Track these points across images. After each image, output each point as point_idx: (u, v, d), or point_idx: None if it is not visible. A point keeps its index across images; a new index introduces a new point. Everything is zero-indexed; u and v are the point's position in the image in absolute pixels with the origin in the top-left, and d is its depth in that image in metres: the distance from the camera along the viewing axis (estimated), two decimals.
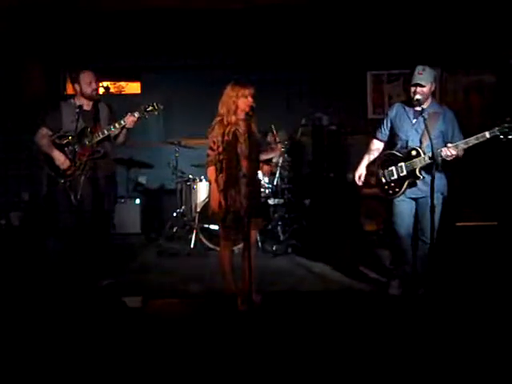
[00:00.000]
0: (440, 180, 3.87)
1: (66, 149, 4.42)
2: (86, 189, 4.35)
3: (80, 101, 4.48)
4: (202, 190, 6.22)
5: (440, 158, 3.75)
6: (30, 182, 6.87)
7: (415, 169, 3.86)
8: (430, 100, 3.95)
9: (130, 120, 4.42)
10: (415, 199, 3.99)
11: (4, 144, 6.81)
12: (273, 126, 6.10)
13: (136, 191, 7.43)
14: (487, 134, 3.66)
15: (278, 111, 6.67)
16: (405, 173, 3.93)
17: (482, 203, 5.49)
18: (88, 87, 4.44)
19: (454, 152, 3.72)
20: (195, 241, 5.95)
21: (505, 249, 4.71)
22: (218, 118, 3.88)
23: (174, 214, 6.40)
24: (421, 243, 3.99)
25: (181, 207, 6.42)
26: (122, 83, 7.82)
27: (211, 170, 3.89)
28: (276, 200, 6.01)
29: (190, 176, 6.40)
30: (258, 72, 6.64)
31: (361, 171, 4.22)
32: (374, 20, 6.76)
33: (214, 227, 5.66)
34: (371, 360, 3.09)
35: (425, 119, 3.62)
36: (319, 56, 7.13)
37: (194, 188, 6.29)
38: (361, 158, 4.28)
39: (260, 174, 5.59)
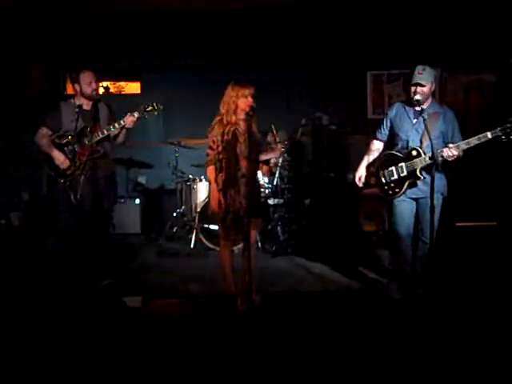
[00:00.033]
0: (440, 180, 3.86)
1: (65, 148, 4.42)
2: (85, 189, 4.36)
3: (80, 101, 4.48)
4: (202, 190, 6.22)
5: (441, 159, 3.74)
6: (30, 181, 6.87)
7: (416, 169, 3.85)
8: (430, 100, 3.94)
9: (129, 120, 4.42)
10: (415, 199, 3.98)
11: (4, 144, 6.81)
12: (273, 126, 6.10)
13: (136, 191, 7.43)
14: (489, 135, 3.65)
15: (278, 111, 6.67)
16: (405, 173, 3.91)
17: (482, 203, 5.49)
18: (88, 87, 4.44)
19: (455, 152, 3.72)
20: (195, 241, 5.96)
21: (504, 249, 4.71)
22: (218, 118, 3.89)
23: (174, 214, 6.40)
24: (420, 243, 3.98)
25: (181, 207, 6.42)
26: (122, 83, 7.81)
27: (211, 170, 3.90)
28: (276, 200, 6.00)
29: (190, 176, 6.40)
30: (257, 72, 6.63)
31: (361, 172, 4.21)
32: (373, 20, 6.76)
33: (214, 227, 5.66)
34: (371, 360, 3.09)
35: (425, 119, 3.62)
36: (319, 56, 7.12)
37: (193, 188, 6.30)
38: (361, 159, 4.27)
39: (260, 174, 5.59)
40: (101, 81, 4.97)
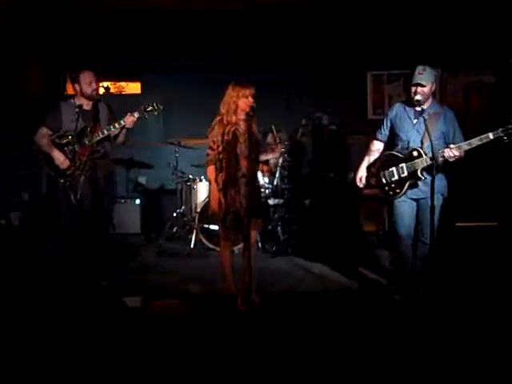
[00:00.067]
0: (440, 181, 3.86)
1: (65, 148, 4.42)
2: (85, 189, 4.36)
3: (80, 101, 4.48)
4: (202, 190, 6.22)
5: (442, 159, 3.74)
6: (29, 181, 6.87)
7: (417, 170, 3.84)
8: (430, 100, 3.94)
9: (129, 120, 4.42)
10: (416, 200, 3.98)
11: (4, 144, 6.81)
12: (273, 127, 6.10)
13: (136, 191, 7.43)
14: (491, 136, 3.64)
15: (278, 111, 6.67)
16: (406, 174, 3.91)
17: (483, 204, 5.49)
18: (88, 87, 4.45)
19: (456, 153, 3.71)
20: (195, 241, 5.95)
21: (505, 249, 4.71)
22: (219, 118, 3.90)
23: (174, 214, 6.40)
24: (420, 244, 3.97)
25: (181, 207, 6.42)
26: (122, 83, 7.81)
27: (211, 170, 3.91)
28: (276, 200, 6.00)
29: (190, 176, 6.40)
30: (257, 72, 6.63)
31: (361, 173, 4.20)
32: (374, 20, 6.76)
33: (214, 227, 5.66)
34: (371, 360, 3.09)
35: (425, 120, 3.61)
36: (319, 56, 7.12)
37: (194, 188, 6.30)
38: (361, 159, 4.27)
39: (260, 175, 5.59)
40: (101, 81, 4.97)
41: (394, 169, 3.96)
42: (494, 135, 3.64)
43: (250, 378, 2.90)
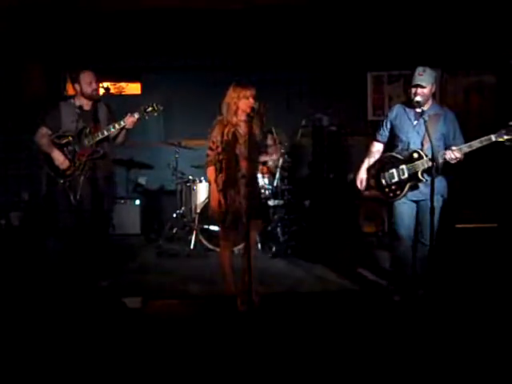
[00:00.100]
0: (440, 182, 3.85)
1: (65, 149, 4.42)
2: (85, 189, 4.37)
3: (80, 101, 4.48)
4: (202, 191, 6.22)
5: (443, 161, 3.74)
6: (29, 181, 6.86)
7: (417, 171, 3.83)
8: (430, 101, 3.93)
9: (129, 120, 4.42)
10: (416, 202, 3.97)
11: (4, 144, 6.80)
12: (273, 128, 6.10)
13: (136, 192, 7.42)
14: (493, 138, 3.64)
15: (278, 111, 6.65)
16: (406, 175, 3.90)
17: (482, 205, 5.49)
18: (88, 87, 4.44)
19: (458, 155, 3.71)
20: (195, 242, 5.96)
21: (505, 251, 4.71)
22: (219, 118, 3.91)
23: (174, 215, 6.39)
24: (420, 245, 3.97)
25: (181, 208, 6.42)
26: (123, 84, 7.81)
27: (211, 170, 3.91)
28: (276, 201, 6.00)
29: (190, 177, 6.40)
30: (258, 72, 6.63)
31: (362, 175, 4.19)
32: (374, 21, 6.75)
33: (214, 228, 5.66)
34: (371, 361, 3.09)
35: (425, 121, 3.61)
36: (319, 56, 7.12)
37: (193, 189, 6.29)
38: (361, 160, 4.26)
39: (259, 175, 5.59)
40: (101, 81, 4.95)
41: (394, 170, 3.95)
42: (495, 137, 3.63)
43: (250, 379, 2.90)
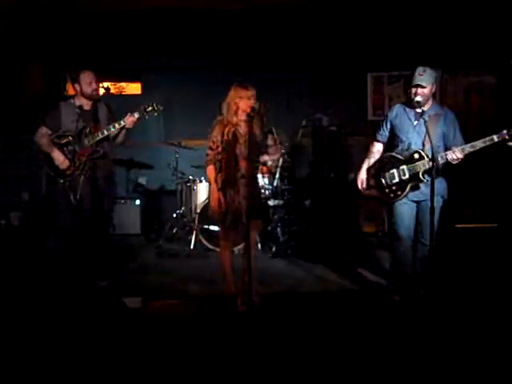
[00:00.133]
0: (440, 183, 3.85)
1: (65, 148, 4.42)
2: (85, 189, 4.37)
3: (80, 101, 4.49)
4: (202, 191, 6.22)
5: (444, 162, 3.73)
6: (29, 181, 6.86)
7: (418, 172, 3.82)
8: (430, 102, 3.93)
9: (129, 120, 4.43)
10: (416, 202, 3.97)
11: (4, 144, 6.80)
12: (273, 128, 6.10)
13: (136, 192, 7.42)
14: (495, 138, 3.63)
15: (278, 111, 6.65)
16: (407, 176, 3.88)
17: (483, 205, 5.49)
18: (88, 87, 4.45)
19: (460, 155, 3.70)
20: (195, 242, 5.96)
21: (505, 251, 4.71)
22: (220, 118, 3.92)
23: (174, 215, 6.39)
24: (420, 245, 3.97)
25: (181, 208, 6.42)
26: (123, 84, 7.81)
27: (210, 169, 3.92)
28: (276, 201, 6.00)
29: (190, 177, 6.40)
30: (258, 72, 6.63)
31: (362, 176, 4.18)
32: (374, 21, 6.75)
33: (214, 228, 5.66)
34: (371, 361, 3.09)
35: (425, 121, 3.60)
36: (319, 56, 7.12)
37: (194, 189, 6.29)
38: (361, 160, 4.26)
39: (259, 175, 5.59)
40: (101, 81, 4.95)
41: (394, 171, 3.94)
42: (498, 138, 3.63)
43: (250, 379, 2.90)
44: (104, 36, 6.99)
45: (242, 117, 3.84)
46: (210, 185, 4.01)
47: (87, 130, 4.42)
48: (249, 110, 3.75)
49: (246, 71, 6.52)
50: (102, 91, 4.89)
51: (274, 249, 5.85)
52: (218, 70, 7.06)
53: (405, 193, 3.91)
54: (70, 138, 4.42)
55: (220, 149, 3.87)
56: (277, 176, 6.06)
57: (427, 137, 3.65)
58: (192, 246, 5.94)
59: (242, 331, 3.43)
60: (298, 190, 6.60)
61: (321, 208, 6.92)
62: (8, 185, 6.86)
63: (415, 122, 3.93)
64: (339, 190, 6.95)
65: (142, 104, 4.56)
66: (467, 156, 3.76)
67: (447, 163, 3.76)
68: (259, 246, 5.87)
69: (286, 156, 6.19)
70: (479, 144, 3.67)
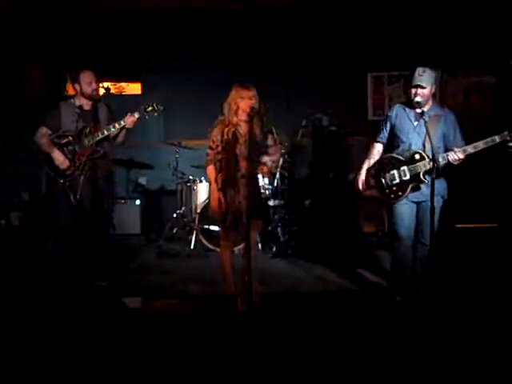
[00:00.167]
0: (440, 183, 3.84)
1: (65, 148, 4.42)
2: (85, 189, 4.37)
3: (80, 101, 4.49)
4: (202, 191, 6.22)
5: (445, 162, 3.73)
6: (29, 181, 6.86)
7: (419, 173, 3.81)
8: (430, 102, 3.92)
9: (129, 120, 4.43)
10: (417, 203, 3.96)
11: (4, 144, 6.80)
12: (273, 129, 6.10)
13: (136, 192, 7.42)
14: (497, 139, 3.63)
15: (278, 112, 6.65)
16: (408, 177, 3.87)
17: (482, 205, 5.49)
18: (88, 87, 4.45)
19: (461, 156, 3.70)
20: (195, 242, 5.96)
21: (505, 251, 4.70)
22: (221, 118, 3.92)
23: (174, 215, 6.39)
24: (420, 245, 3.96)
25: (181, 208, 6.42)
26: (123, 84, 7.81)
27: (210, 169, 3.93)
28: (276, 201, 6.01)
29: (191, 177, 6.40)
30: (257, 72, 6.63)
31: (362, 178, 4.16)
32: (374, 21, 6.76)
33: (214, 228, 5.66)
34: (371, 361, 3.09)
35: (425, 122, 3.60)
36: (319, 56, 7.12)
37: (194, 189, 6.29)
38: (361, 160, 4.24)
39: (260, 175, 5.59)
40: (101, 81, 4.96)
41: (395, 172, 3.92)
42: (499, 139, 3.62)
43: (250, 379, 2.90)
44: (104, 36, 6.99)
45: (243, 117, 3.84)
46: (210, 185, 4.01)
47: (87, 130, 4.42)
48: (248, 110, 3.75)
49: (246, 71, 6.52)
50: (102, 91, 4.89)
51: (274, 249, 5.85)
52: (219, 70, 7.06)
53: (405, 193, 3.90)
54: (70, 138, 4.42)
55: (220, 148, 3.88)
56: (277, 176, 6.06)
57: (428, 137, 3.64)
58: (192, 246, 5.94)
59: (242, 331, 3.43)
60: (298, 189, 6.60)
61: (321, 208, 6.92)
62: (8, 185, 6.85)
63: (415, 123, 3.92)
64: (339, 190, 6.95)
65: (142, 104, 4.56)
66: (467, 156, 3.76)
67: (448, 164, 3.76)
68: (259, 246, 5.86)
69: (286, 156, 6.19)
70: (481, 145, 3.67)
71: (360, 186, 4.17)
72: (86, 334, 3.47)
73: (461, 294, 4.15)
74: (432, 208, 3.43)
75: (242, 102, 3.81)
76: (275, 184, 6.05)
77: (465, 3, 6.36)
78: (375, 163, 4.13)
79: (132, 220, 6.96)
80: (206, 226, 5.88)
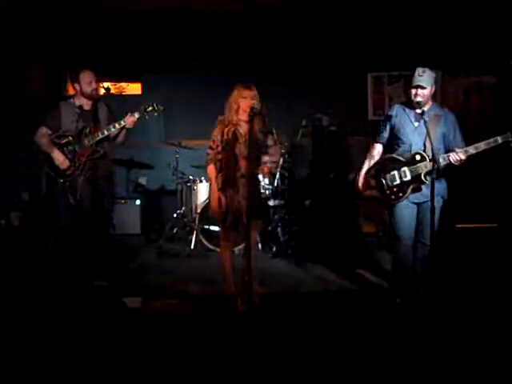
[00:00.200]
0: (440, 183, 3.84)
1: (65, 148, 4.42)
2: (85, 189, 4.37)
3: (80, 100, 4.48)
4: (203, 191, 6.22)
5: (446, 163, 3.72)
6: (29, 181, 6.86)
7: (420, 174, 3.80)
8: (430, 102, 3.92)
9: (129, 120, 4.43)
10: (417, 204, 3.95)
11: (4, 144, 6.80)
12: (274, 129, 6.10)
13: (136, 192, 7.42)
14: (499, 139, 3.62)
15: (278, 112, 6.65)
16: (409, 178, 3.85)
17: (482, 205, 5.49)
18: (88, 87, 4.44)
19: (463, 157, 3.69)
20: (195, 242, 5.95)
21: (505, 251, 4.70)
22: (221, 118, 3.92)
23: (175, 215, 6.39)
24: (420, 245, 3.95)
25: (181, 208, 6.42)
26: (123, 84, 7.81)
27: (211, 168, 3.94)
28: (276, 201, 6.00)
29: (191, 177, 6.40)
30: (257, 72, 6.63)
31: (362, 179, 4.15)
32: (374, 21, 6.76)
33: (215, 228, 5.66)
34: (371, 361, 3.09)
35: (425, 122, 3.60)
36: (319, 56, 7.12)
37: (194, 189, 6.29)
38: (361, 160, 4.23)
39: (260, 175, 5.59)
40: (102, 81, 4.96)
41: (395, 173, 3.90)
42: (502, 139, 3.61)
43: (250, 379, 2.90)
44: (104, 36, 6.99)
45: (243, 116, 3.84)
46: (210, 184, 4.01)
47: (87, 130, 4.42)
48: (249, 110, 3.75)
49: (246, 71, 6.51)
50: (102, 91, 4.89)
51: (274, 249, 5.85)
52: (219, 70, 7.07)
53: (406, 194, 3.89)
54: (70, 138, 4.41)
55: (220, 148, 3.89)
56: (277, 176, 6.06)
57: (428, 138, 3.64)
58: (192, 246, 5.93)
59: (242, 331, 3.42)
60: (298, 189, 6.60)
61: (321, 208, 6.92)
62: (8, 185, 6.85)
63: (416, 124, 3.90)
64: (339, 190, 6.94)
65: (142, 104, 4.56)
66: (468, 157, 3.76)
67: (449, 164, 3.75)
68: (259, 246, 5.86)
69: (286, 156, 6.19)
70: (483, 146, 3.67)
71: (360, 187, 4.16)
72: (86, 333, 3.47)
73: (461, 294, 4.15)
74: (432, 208, 3.43)
75: (243, 102, 3.81)
76: (275, 184, 6.05)
77: (464, 3, 6.36)
78: (375, 164, 4.12)
79: (132, 220, 6.96)
80: (206, 226, 5.88)
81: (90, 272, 4.46)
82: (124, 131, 4.55)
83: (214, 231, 5.72)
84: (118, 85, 7.77)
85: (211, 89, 6.50)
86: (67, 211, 4.39)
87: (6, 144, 6.80)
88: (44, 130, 4.45)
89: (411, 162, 3.86)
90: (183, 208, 6.41)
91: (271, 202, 5.92)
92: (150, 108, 4.51)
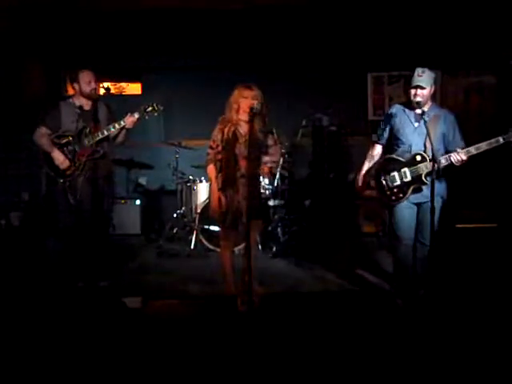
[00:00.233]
0: (440, 184, 3.84)
1: (65, 148, 4.42)
2: (85, 189, 4.37)
3: (79, 100, 4.48)
4: (203, 191, 6.22)
5: (448, 163, 3.72)
6: (29, 181, 6.86)
7: (421, 174, 3.79)
8: (430, 103, 3.91)
9: (129, 120, 4.42)
10: (417, 204, 3.94)
11: (4, 144, 6.79)
12: (274, 129, 6.09)
13: (136, 192, 7.42)
14: (501, 140, 3.62)
15: (278, 112, 6.64)
16: (409, 178, 3.84)
17: (482, 205, 5.49)
18: (87, 86, 4.44)
19: (464, 157, 3.68)
20: (195, 242, 5.96)
21: (504, 251, 4.71)
22: (222, 117, 3.92)
23: (175, 215, 6.39)
24: (420, 245, 3.95)
25: (181, 208, 6.42)
26: (123, 84, 7.82)
27: (211, 168, 3.94)
28: (276, 201, 6.00)
29: (191, 177, 6.41)
30: (257, 72, 6.63)
31: (363, 179, 4.14)
32: (374, 21, 6.76)
33: (215, 228, 5.66)
34: (371, 361, 3.09)
35: (425, 122, 3.60)
36: (319, 56, 7.12)
37: (194, 189, 6.29)
38: (361, 160, 4.23)
39: (260, 176, 5.59)
40: (102, 81, 4.96)
41: (395, 173, 3.89)
42: (504, 139, 3.61)
43: (250, 379, 2.90)
44: (104, 36, 6.99)
45: (243, 116, 3.84)
46: (210, 184, 4.02)
47: (87, 130, 4.42)
48: (248, 110, 3.75)
49: (246, 71, 6.51)
50: (102, 91, 4.89)
51: (274, 249, 5.85)
52: (219, 70, 7.07)
53: (406, 195, 3.87)
54: (70, 138, 4.41)
55: (220, 148, 3.88)
56: (277, 176, 6.06)
57: (428, 138, 3.63)
58: (192, 246, 5.94)
59: (242, 331, 3.42)
60: (298, 189, 6.60)
61: (321, 208, 6.92)
62: (8, 185, 6.85)
63: (416, 124, 3.90)
64: (339, 190, 6.94)
65: (142, 104, 4.56)
66: (469, 157, 3.75)
67: (450, 164, 3.75)
68: (259, 246, 5.86)
69: (286, 156, 6.19)
70: (484, 146, 3.66)
71: (361, 187, 4.16)
72: (86, 333, 3.47)
73: (461, 294, 4.15)
74: (432, 208, 3.43)
75: (243, 102, 3.81)
76: (275, 184, 6.05)
77: (464, 3, 6.36)
78: (375, 164, 4.12)
79: (132, 220, 6.96)
80: (206, 226, 5.88)
81: (89, 272, 4.45)
82: (124, 131, 4.55)
83: (213, 231, 5.72)
84: (118, 85, 7.77)
85: (211, 89, 6.51)
86: (67, 211, 4.39)
87: (6, 144, 6.79)
88: (43, 129, 4.45)
89: (412, 162, 3.85)
90: (183, 208, 6.41)
91: (271, 202, 5.92)
92: (150, 108, 4.51)
